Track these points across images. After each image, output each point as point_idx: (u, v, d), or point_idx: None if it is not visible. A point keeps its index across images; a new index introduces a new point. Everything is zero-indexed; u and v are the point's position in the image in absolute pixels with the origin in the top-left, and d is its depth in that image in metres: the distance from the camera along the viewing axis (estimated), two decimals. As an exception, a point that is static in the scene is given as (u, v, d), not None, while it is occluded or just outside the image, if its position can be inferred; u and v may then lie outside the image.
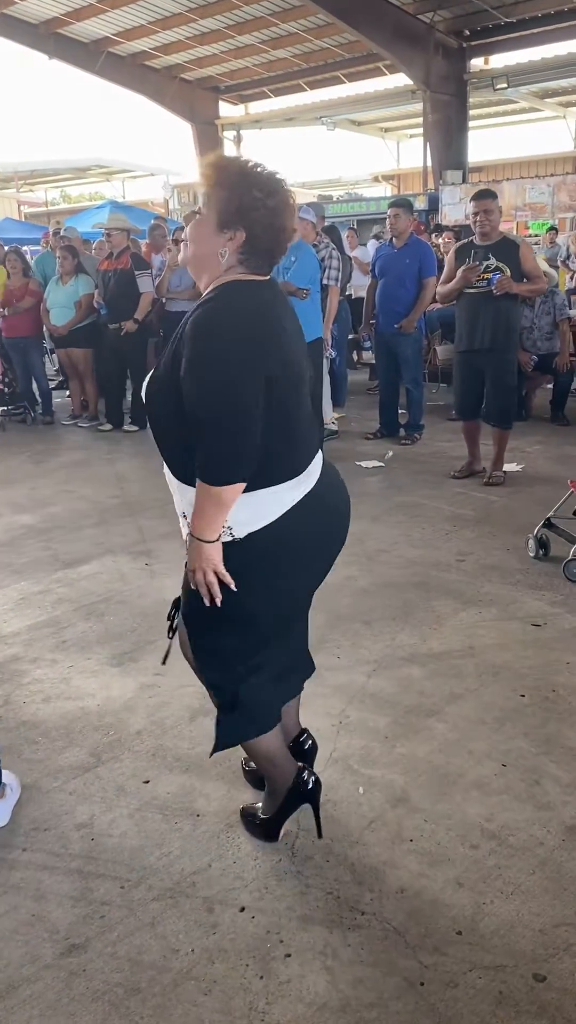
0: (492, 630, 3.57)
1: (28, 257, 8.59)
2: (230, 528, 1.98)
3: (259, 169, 1.93)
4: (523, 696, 3.04)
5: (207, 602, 1.99)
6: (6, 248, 8.35)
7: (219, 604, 1.99)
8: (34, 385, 8.31)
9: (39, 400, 8.28)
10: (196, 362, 1.84)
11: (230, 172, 1.92)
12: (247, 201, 1.90)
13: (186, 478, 1.98)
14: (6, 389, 8.11)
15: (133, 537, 4.90)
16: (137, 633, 3.66)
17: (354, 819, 2.43)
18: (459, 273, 5.37)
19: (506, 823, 2.39)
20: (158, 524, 5.06)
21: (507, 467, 5.85)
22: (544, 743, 2.75)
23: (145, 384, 2.05)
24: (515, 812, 2.43)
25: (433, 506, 5.28)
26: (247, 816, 2.41)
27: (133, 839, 2.39)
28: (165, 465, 2.07)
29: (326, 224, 7.99)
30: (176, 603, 2.18)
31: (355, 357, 10.27)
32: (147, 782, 2.62)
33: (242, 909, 2.12)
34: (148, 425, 2.11)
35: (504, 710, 2.96)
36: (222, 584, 1.98)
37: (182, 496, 2.04)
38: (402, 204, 6.85)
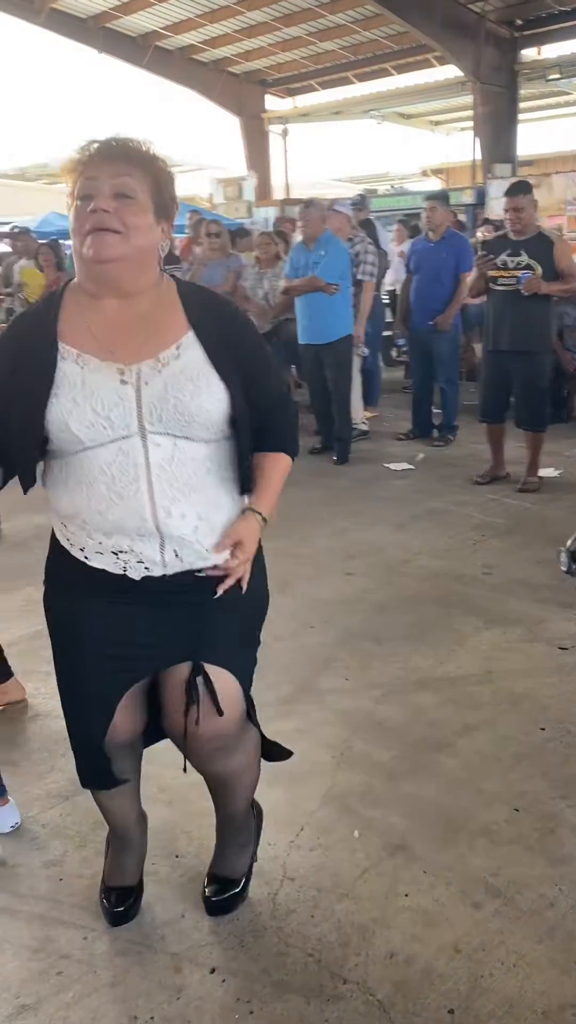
0: (515, 653, 3.32)
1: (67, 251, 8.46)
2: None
3: None
4: (543, 729, 2.79)
5: (243, 585, 1.82)
6: (40, 242, 8.24)
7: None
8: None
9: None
10: (263, 343, 1.86)
11: (158, 156, 1.70)
12: (172, 192, 1.71)
13: (240, 486, 1.83)
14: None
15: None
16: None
17: (346, 867, 2.21)
18: (475, 266, 5.19)
19: (514, 879, 2.15)
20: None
21: (543, 472, 5.56)
22: (563, 785, 2.50)
23: (219, 414, 1.71)
24: (525, 866, 2.19)
25: (462, 513, 5.02)
26: None
27: (104, 881, 2.19)
28: (216, 487, 1.77)
29: (367, 218, 7.76)
30: (197, 669, 1.82)
31: (393, 354, 9.98)
32: (126, 816, 2.43)
33: (212, 970, 1.92)
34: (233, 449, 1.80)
35: (522, 745, 2.71)
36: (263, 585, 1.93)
37: (227, 511, 1.80)
38: (438, 197, 6.61)
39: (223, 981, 1.89)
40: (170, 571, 1.75)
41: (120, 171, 1.61)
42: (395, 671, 3.20)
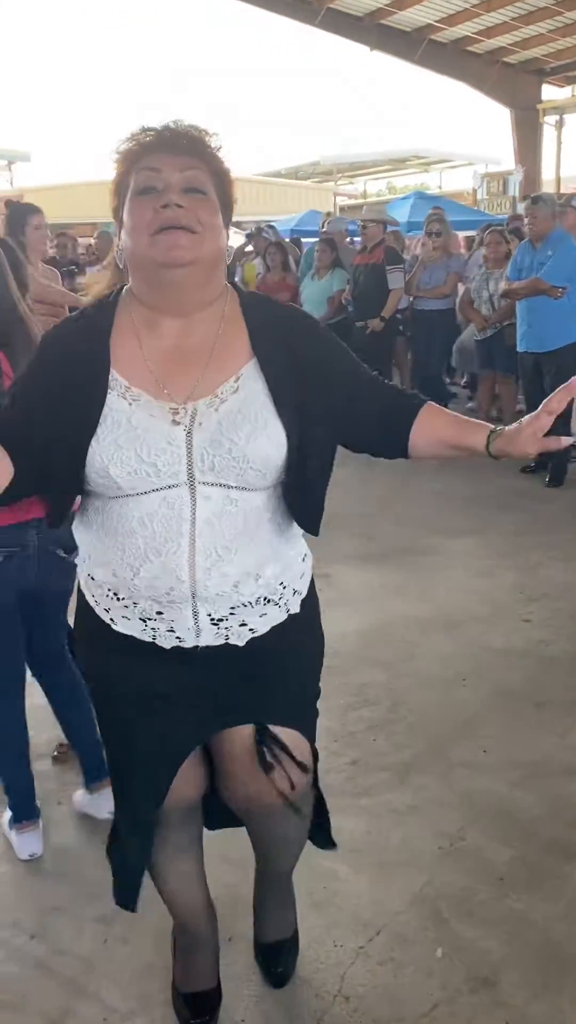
0: None
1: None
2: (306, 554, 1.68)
3: None
4: None
5: None
6: (270, 240, 8.26)
7: None
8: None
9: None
10: (342, 349, 1.59)
11: (219, 150, 1.45)
12: (232, 191, 1.48)
13: (316, 521, 1.59)
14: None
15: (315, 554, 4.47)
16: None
17: (416, 995, 1.85)
18: None
19: (622, 1062, 1.68)
20: (346, 543, 4.60)
21: None
22: None
23: (277, 459, 1.45)
24: None
25: None
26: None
27: (147, 954, 1.99)
28: (271, 536, 1.52)
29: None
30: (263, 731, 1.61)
31: None
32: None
33: None
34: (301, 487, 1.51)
35: None
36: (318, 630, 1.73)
37: (284, 559, 1.57)
38: None
39: None
40: (203, 642, 1.51)
41: (188, 163, 1.39)
42: (547, 747, 2.73)
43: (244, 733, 1.60)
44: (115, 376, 1.42)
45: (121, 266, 1.46)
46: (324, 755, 2.67)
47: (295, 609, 1.59)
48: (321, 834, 1.90)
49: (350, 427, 1.55)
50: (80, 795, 2.50)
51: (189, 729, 1.60)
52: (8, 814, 2.36)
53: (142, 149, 1.40)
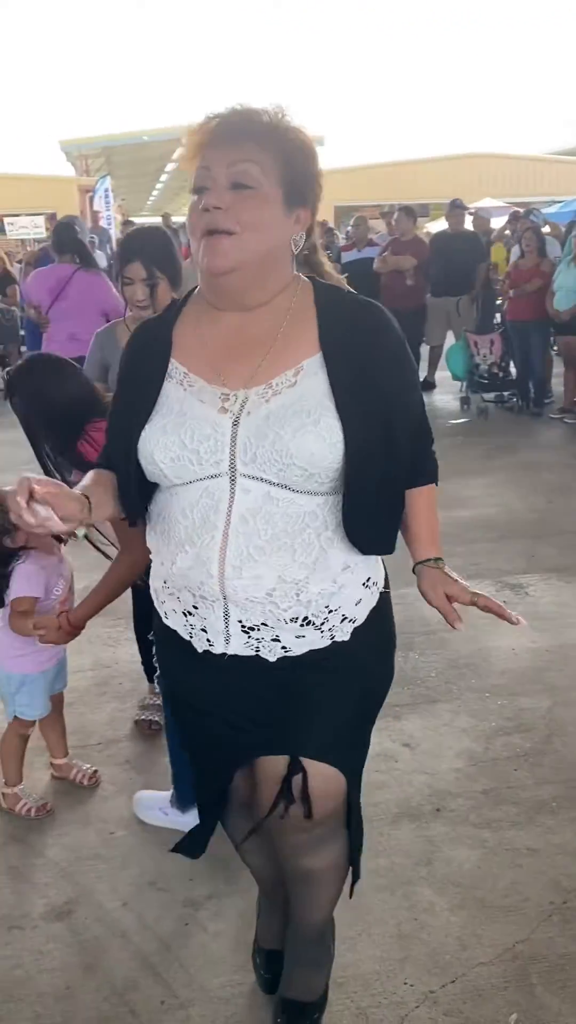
0: None
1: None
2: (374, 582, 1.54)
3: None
4: None
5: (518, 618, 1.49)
6: (530, 224, 7.86)
7: None
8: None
9: (532, 388, 7.71)
10: (409, 359, 1.49)
11: (290, 127, 1.36)
12: (310, 169, 1.40)
13: (370, 542, 1.45)
14: (500, 374, 7.71)
15: (516, 564, 4.24)
16: (432, 672, 3.12)
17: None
18: None
19: None
20: (555, 555, 4.30)
21: None
22: None
23: (326, 460, 1.36)
24: None
25: None
26: None
27: (222, 947, 2.01)
28: (321, 549, 1.42)
29: None
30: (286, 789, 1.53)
31: None
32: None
33: None
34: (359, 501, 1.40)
35: None
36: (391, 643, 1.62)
37: (331, 576, 1.44)
38: None
39: None
40: (232, 650, 1.46)
41: (237, 156, 1.32)
42: None
43: (278, 763, 1.52)
44: (175, 364, 1.43)
45: None
46: (455, 778, 2.57)
47: (342, 637, 1.48)
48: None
49: None
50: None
51: (235, 741, 1.56)
52: (172, 799, 2.41)
53: (201, 141, 1.35)
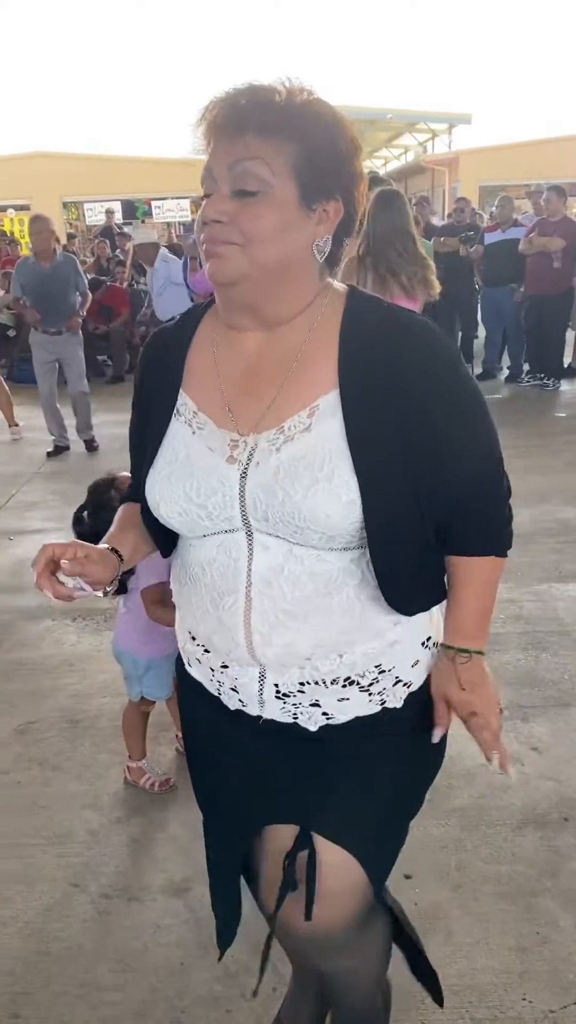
0: None
1: None
2: (435, 642, 1.33)
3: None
4: None
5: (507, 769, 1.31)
6: None
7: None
8: None
9: None
10: (468, 391, 1.21)
11: (310, 110, 1.12)
12: (336, 154, 1.14)
13: (411, 602, 1.24)
14: None
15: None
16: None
17: None
18: None
19: None
20: None
21: None
22: None
23: (344, 521, 1.14)
24: None
25: None
26: None
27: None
28: (360, 608, 1.22)
29: None
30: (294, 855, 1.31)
31: None
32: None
33: None
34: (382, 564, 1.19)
35: None
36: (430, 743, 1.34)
37: (375, 635, 1.24)
38: None
39: None
40: (267, 715, 1.28)
41: (239, 153, 1.09)
42: None
43: (285, 833, 1.31)
44: (184, 399, 1.25)
45: None
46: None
47: (394, 703, 1.28)
48: (427, 980, 1.56)
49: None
50: None
51: (253, 805, 1.37)
52: None
53: (206, 135, 1.14)
